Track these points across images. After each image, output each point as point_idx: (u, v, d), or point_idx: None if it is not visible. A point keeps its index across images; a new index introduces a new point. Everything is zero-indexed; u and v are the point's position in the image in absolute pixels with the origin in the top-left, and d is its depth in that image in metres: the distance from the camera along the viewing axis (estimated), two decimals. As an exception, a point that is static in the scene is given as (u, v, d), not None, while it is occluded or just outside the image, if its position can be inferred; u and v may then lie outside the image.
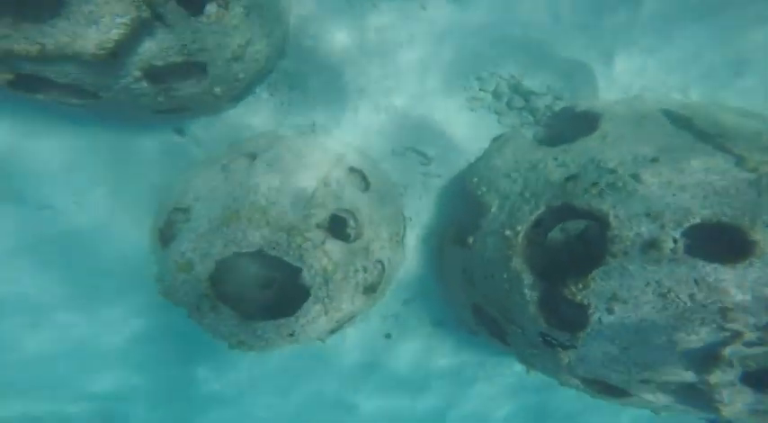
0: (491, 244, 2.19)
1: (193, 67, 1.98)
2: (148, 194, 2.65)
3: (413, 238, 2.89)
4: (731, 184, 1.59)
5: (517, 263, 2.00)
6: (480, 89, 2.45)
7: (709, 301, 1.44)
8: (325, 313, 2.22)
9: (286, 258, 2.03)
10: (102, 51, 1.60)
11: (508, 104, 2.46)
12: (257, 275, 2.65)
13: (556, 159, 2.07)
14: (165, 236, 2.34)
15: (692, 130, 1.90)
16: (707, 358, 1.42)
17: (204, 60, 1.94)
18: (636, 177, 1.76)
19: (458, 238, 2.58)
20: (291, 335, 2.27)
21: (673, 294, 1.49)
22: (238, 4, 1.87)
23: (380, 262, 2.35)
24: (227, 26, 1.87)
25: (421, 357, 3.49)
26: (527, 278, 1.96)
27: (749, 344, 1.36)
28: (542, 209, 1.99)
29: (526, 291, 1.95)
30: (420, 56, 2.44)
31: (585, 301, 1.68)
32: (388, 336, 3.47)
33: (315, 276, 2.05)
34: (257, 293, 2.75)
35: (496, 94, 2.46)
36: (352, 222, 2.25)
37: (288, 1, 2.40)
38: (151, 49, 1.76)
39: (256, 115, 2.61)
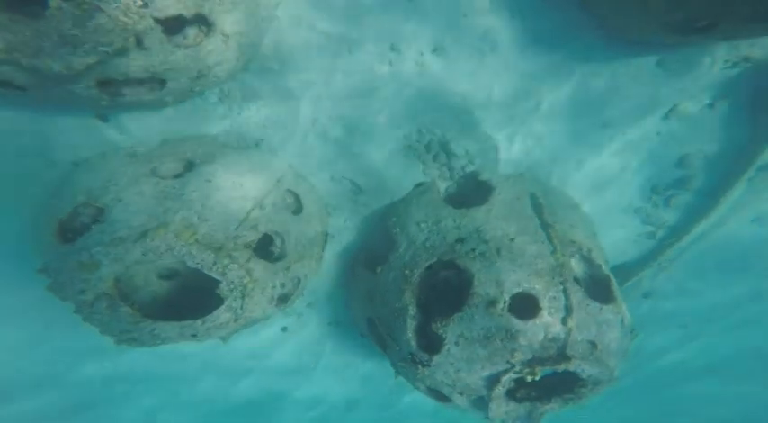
0: (393, 277, 3.00)
1: (153, 81, 2.07)
2: (46, 173, 2.56)
3: (329, 252, 3.52)
4: (543, 267, 2.69)
5: (408, 297, 2.86)
6: (417, 140, 3.13)
7: (509, 343, 2.52)
8: (235, 320, 2.70)
9: (208, 272, 2.40)
10: (68, 72, 1.66)
11: (434, 158, 3.21)
12: (160, 266, 2.89)
13: (454, 221, 2.95)
14: (66, 229, 2.38)
15: (540, 217, 2.98)
16: (493, 380, 2.53)
17: (167, 77, 2.05)
18: (498, 251, 2.74)
19: (368, 262, 3.34)
20: (193, 335, 2.67)
21: (492, 337, 2.54)
22: (220, 33, 2.03)
23: (298, 278, 2.92)
24: (202, 51, 2.02)
25: (311, 349, 4.30)
26: (411, 310, 2.84)
27: (516, 372, 2.49)
28: (435, 259, 2.86)
29: (408, 319, 2.83)
30: (374, 102, 2.96)
31: (443, 335, 2.64)
32: (284, 329, 4.14)
33: (233, 290, 2.49)
34: (156, 283, 3.00)
35: (427, 148, 3.18)
36: (278, 242, 2.72)
37: (268, 25, 2.54)
38: (118, 66, 1.83)
39: (200, 117, 2.75)
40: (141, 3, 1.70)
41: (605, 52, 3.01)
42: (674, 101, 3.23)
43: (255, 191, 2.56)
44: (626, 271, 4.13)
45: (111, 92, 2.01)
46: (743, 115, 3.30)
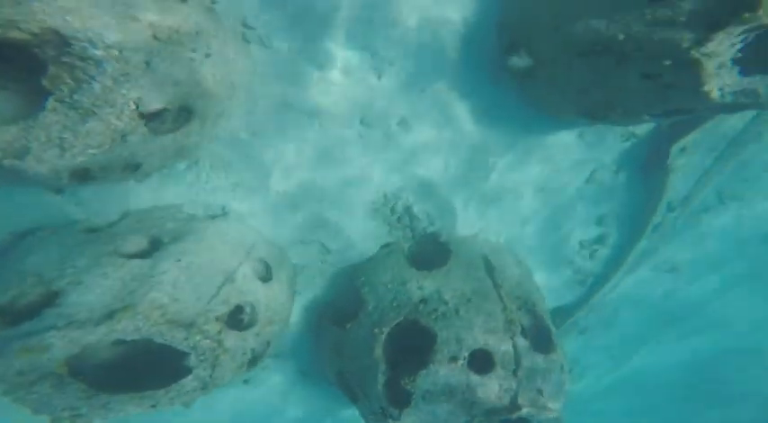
0: (362, 334, 3.24)
1: (128, 166, 2.16)
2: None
3: (297, 306, 3.66)
4: (496, 325, 3.13)
5: (378, 353, 3.11)
6: (383, 204, 3.49)
7: (469, 396, 2.86)
8: (202, 388, 2.71)
9: (177, 347, 2.42)
10: (51, 174, 1.72)
11: (399, 221, 3.58)
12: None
13: (418, 282, 3.31)
14: (7, 316, 2.25)
15: (492, 278, 3.46)
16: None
17: (144, 161, 2.16)
18: (457, 311, 3.13)
19: (336, 317, 3.54)
20: (153, 406, 2.61)
21: (455, 391, 2.87)
22: (199, 117, 2.21)
23: (268, 341, 3.02)
24: (180, 135, 2.17)
25: (276, 400, 4.29)
26: (381, 366, 3.08)
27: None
28: (401, 318, 3.17)
29: (379, 375, 3.07)
30: (344, 170, 3.29)
31: (411, 390, 2.91)
32: (246, 381, 4.10)
33: (202, 361, 2.53)
34: (107, 350, 2.89)
35: (393, 211, 3.55)
36: (248, 310, 2.82)
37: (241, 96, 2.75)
38: (99, 161, 1.92)
39: (165, 186, 2.81)
40: (134, 106, 1.85)
41: (539, 126, 3.68)
42: (591, 168, 3.99)
43: (226, 265, 2.67)
44: (564, 312, 4.80)
45: (81, 177, 2.06)
46: (638, 182, 4.16)
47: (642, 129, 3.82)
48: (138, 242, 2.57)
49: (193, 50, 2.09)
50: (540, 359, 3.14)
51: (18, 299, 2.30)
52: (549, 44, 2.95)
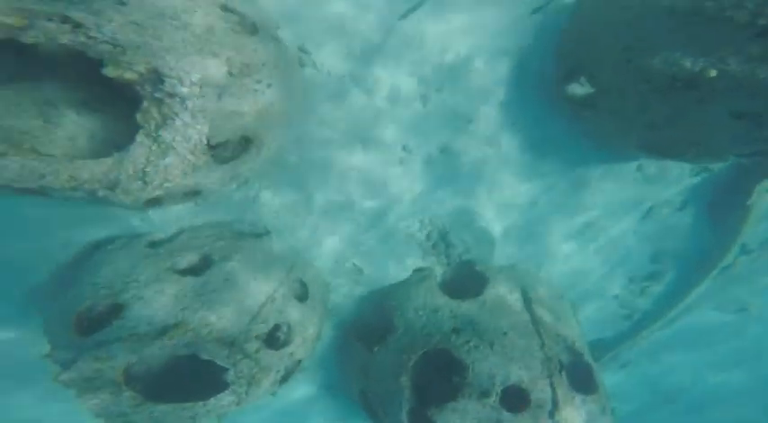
0: (390, 359, 3.24)
1: (190, 193, 2.33)
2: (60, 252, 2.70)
3: (328, 323, 3.73)
4: (533, 362, 3.01)
5: (404, 380, 3.10)
6: (418, 230, 3.46)
7: (500, 437, 2.79)
8: (238, 403, 2.85)
9: (219, 362, 2.56)
10: (133, 203, 1.90)
11: (434, 247, 3.54)
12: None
13: (451, 311, 3.25)
14: (84, 323, 2.49)
15: (530, 312, 3.33)
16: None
17: (204, 189, 2.32)
18: (491, 345, 3.04)
19: (364, 338, 3.57)
20: (192, 418, 2.79)
21: (484, 430, 2.80)
22: (256, 146, 2.32)
23: (300, 360, 3.11)
24: (240, 164, 2.29)
25: (300, 411, 4.41)
26: (407, 393, 3.08)
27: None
28: (431, 346, 3.13)
29: (404, 401, 3.07)
30: (384, 197, 3.30)
31: (436, 421, 2.88)
32: (273, 393, 4.24)
33: (240, 378, 2.66)
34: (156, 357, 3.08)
35: (428, 237, 3.51)
36: (285, 329, 2.92)
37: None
38: (169, 190, 2.08)
39: (217, 204, 2.96)
40: (206, 142, 1.96)
41: (594, 158, 3.48)
42: (650, 203, 3.73)
43: (268, 285, 2.79)
44: (605, 346, 4.54)
45: (152, 204, 2.23)
46: (707, 220, 3.83)
47: (717, 164, 3.51)
48: (191, 259, 2.75)
49: (258, 82, 2.19)
50: (579, 401, 2.99)
51: (91, 309, 2.54)
52: (617, 75, 2.77)
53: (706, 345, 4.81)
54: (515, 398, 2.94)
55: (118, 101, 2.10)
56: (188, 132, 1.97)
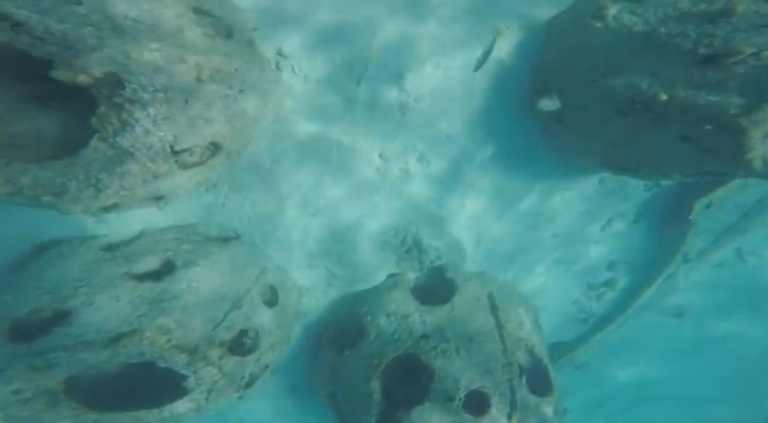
0: (361, 363, 3.34)
1: (152, 198, 2.24)
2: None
3: (297, 326, 3.76)
4: (495, 367, 3.20)
5: (374, 384, 3.22)
6: (393, 236, 3.54)
7: (462, 439, 2.97)
8: (197, 411, 2.81)
9: (178, 370, 2.51)
10: (83, 212, 1.81)
11: (407, 252, 3.64)
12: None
13: (421, 317, 3.38)
14: (20, 330, 2.33)
15: (496, 317, 3.52)
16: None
17: (167, 195, 2.25)
18: (458, 350, 3.21)
19: (335, 342, 3.64)
20: None
21: (447, 432, 2.97)
22: (225, 152, 2.25)
23: (266, 365, 3.12)
24: (206, 168, 2.23)
25: (267, 414, 4.43)
26: (376, 397, 3.19)
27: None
28: (401, 351, 3.25)
29: (373, 405, 3.18)
30: (359, 204, 3.34)
31: (404, 424, 3.02)
32: (240, 397, 4.24)
33: (200, 385, 2.63)
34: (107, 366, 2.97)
35: (403, 243, 3.60)
36: (251, 334, 2.92)
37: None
38: (128, 198, 2.00)
39: (183, 206, 2.88)
40: (170, 149, 1.90)
41: (559, 171, 3.69)
42: (609, 215, 4.01)
43: (234, 291, 2.75)
44: (563, 348, 4.88)
45: (108, 210, 2.13)
46: (656, 232, 4.18)
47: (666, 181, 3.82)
48: (151, 263, 2.65)
49: (230, 88, 2.13)
50: (535, 402, 3.23)
51: (32, 315, 2.40)
52: (583, 94, 2.95)
53: (648, 346, 5.29)
54: (478, 401, 3.13)
55: (78, 97, 1.99)
56: (149, 139, 1.89)
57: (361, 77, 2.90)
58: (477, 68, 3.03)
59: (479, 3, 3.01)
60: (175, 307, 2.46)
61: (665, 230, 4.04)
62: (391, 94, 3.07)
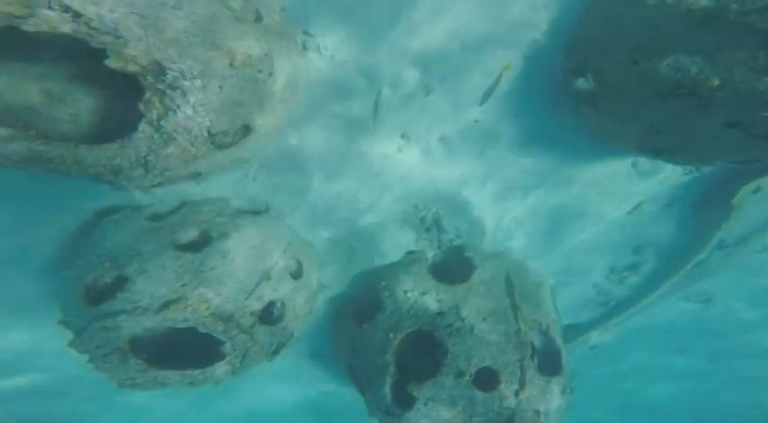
0: (378, 336, 3.56)
1: (192, 175, 2.42)
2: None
3: (321, 298, 4.00)
4: (507, 346, 3.34)
5: (389, 356, 3.44)
6: (413, 214, 3.62)
7: (469, 409, 3.18)
8: (233, 373, 3.15)
9: (215, 335, 2.82)
10: (138, 188, 2.01)
11: (427, 230, 3.73)
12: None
13: (437, 295, 3.51)
14: (92, 293, 2.68)
15: (511, 298, 3.61)
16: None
17: (205, 172, 2.42)
18: (471, 329, 3.35)
19: (354, 314, 3.87)
20: (191, 384, 3.11)
21: (456, 403, 3.18)
22: (256, 132, 2.38)
23: (292, 333, 3.39)
24: (239, 149, 2.36)
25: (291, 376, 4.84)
26: (391, 368, 3.42)
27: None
28: (417, 327, 3.43)
29: (387, 376, 3.43)
30: (381, 181, 3.40)
31: (416, 395, 3.25)
32: (269, 361, 4.63)
33: (235, 350, 2.93)
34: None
35: (423, 221, 3.68)
36: (279, 305, 3.16)
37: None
38: (171, 178, 2.17)
39: (218, 180, 3.05)
40: (207, 133, 2.03)
41: (590, 153, 3.59)
42: (640, 198, 3.90)
43: (263, 264, 2.97)
44: (579, 329, 4.95)
45: (154, 187, 2.33)
46: (691, 216, 4.04)
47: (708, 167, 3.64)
48: (191, 234, 2.90)
49: (260, 71, 2.21)
50: (543, 382, 3.37)
51: (98, 280, 2.73)
52: (622, 77, 2.80)
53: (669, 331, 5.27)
54: (488, 378, 3.31)
55: (118, 77, 2.13)
56: (189, 124, 2.04)
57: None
58: (482, 103, 3.03)
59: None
60: (212, 278, 2.72)
61: (702, 215, 3.89)
62: (413, 74, 3.04)
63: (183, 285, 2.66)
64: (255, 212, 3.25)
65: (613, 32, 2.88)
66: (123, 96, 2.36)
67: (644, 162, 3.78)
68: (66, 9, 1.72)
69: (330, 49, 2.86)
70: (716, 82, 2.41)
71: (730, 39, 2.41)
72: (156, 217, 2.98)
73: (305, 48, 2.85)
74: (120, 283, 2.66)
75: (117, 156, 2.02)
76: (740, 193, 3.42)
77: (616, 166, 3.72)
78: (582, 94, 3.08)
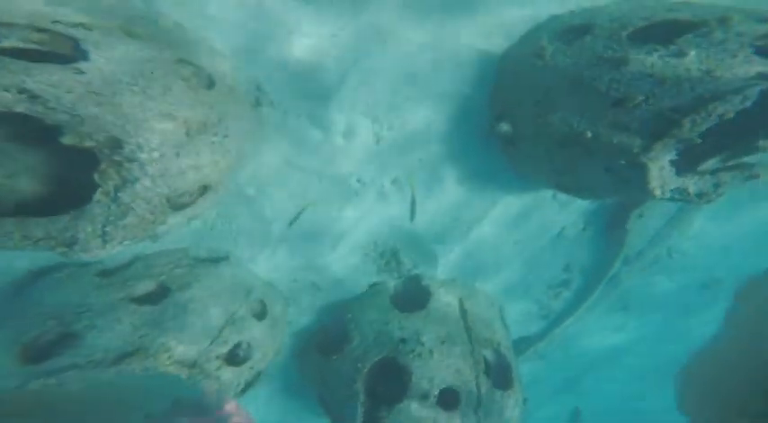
0: (347, 367, 3.75)
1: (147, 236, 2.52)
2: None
3: (287, 334, 4.11)
4: (464, 366, 3.69)
5: (359, 385, 3.63)
6: (372, 250, 3.95)
7: (436, 431, 3.44)
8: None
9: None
10: (93, 259, 2.06)
11: (386, 264, 4.07)
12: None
13: (399, 323, 3.82)
14: (31, 352, 2.55)
15: (465, 321, 4.01)
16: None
17: (159, 233, 2.53)
18: (431, 353, 3.67)
19: (322, 347, 4.03)
20: None
21: (424, 424, 3.44)
22: (214, 190, 2.56)
23: (260, 372, 3.47)
24: (197, 207, 2.53)
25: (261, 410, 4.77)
26: (361, 397, 3.61)
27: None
28: (383, 355, 3.68)
29: (358, 405, 3.60)
30: (339, 224, 3.71)
31: (386, 420, 3.46)
32: (238, 397, 4.56)
33: (204, 393, 2.97)
34: None
35: (382, 255, 4.02)
36: (244, 346, 3.25)
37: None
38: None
39: (174, 231, 3.16)
40: (166, 201, 2.19)
41: (520, 188, 4.21)
42: (562, 224, 4.58)
43: (227, 309, 3.07)
44: (527, 342, 5.47)
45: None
46: (602, 238, 4.81)
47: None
48: (148, 287, 2.92)
49: (215, 135, 2.44)
50: (498, 396, 3.74)
51: (39, 338, 2.63)
52: (531, 125, 3.44)
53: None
54: (450, 398, 3.62)
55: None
56: (148, 195, 2.12)
57: (293, 221, 3.32)
58: (412, 219, 3.57)
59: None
60: (174, 327, 2.76)
61: (609, 236, 4.68)
62: (365, 125, 3.47)
63: (141, 337, 2.65)
64: (215, 260, 3.37)
65: (520, 87, 3.53)
66: (63, 152, 2.36)
67: (561, 194, 4.49)
68: (23, 91, 1.83)
69: (283, 104, 3.17)
70: (588, 134, 3.04)
71: (591, 99, 3.09)
72: (106, 273, 2.95)
73: (258, 103, 3.13)
74: (68, 340, 2.56)
75: (70, 228, 2.01)
76: (630, 218, 4.24)
77: (542, 198, 4.39)
78: (505, 136, 3.69)
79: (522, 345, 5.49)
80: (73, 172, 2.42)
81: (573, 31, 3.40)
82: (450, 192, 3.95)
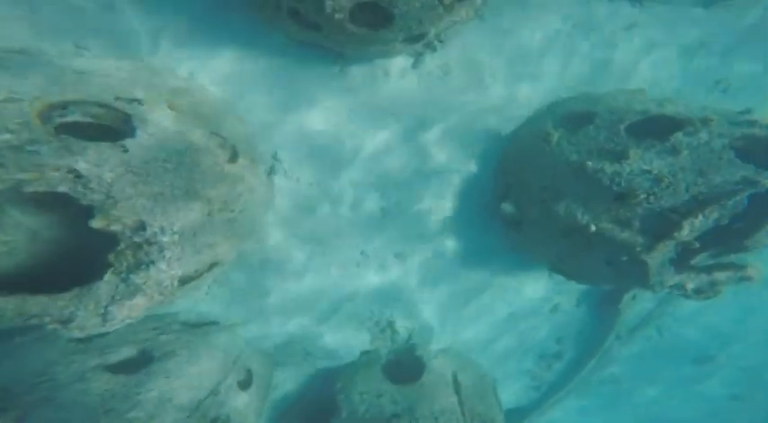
0: (333, 443, 3.53)
1: None
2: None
3: (272, 398, 3.90)
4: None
5: (345, 464, 3.41)
6: (368, 318, 3.88)
7: None
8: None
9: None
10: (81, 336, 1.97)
11: (381, 332, 3.98)
12: None
13: (392, 396, 3.68)
14: None
15: (458, 395, 3.89)
16: None
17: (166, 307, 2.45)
18: (424, 431, 3.52)
19: (308, 416, 3.82)
20: None
21: None
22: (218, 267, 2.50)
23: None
24: (202, 284, 2.46)
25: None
26: (347, 477, 3.38)
27: None
28: (373, 432, 3.51)
29: (344, 486, 3.37)
30: (339, 291, 3.69)
31: None
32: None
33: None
34: None
35: (377, 324, 3.95)
36: (224, 419, 3.04)
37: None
38: None
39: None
40: (177, 282, 2.12)
41: (518, 265, 4.25)
42: (557, 300, 4.61)
43: (211, 379, 2.87)
44: (521, 412, 5.31)
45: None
46: (595, 315, 4.85)
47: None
48: (128, 353, 2.66)
49: (231, 211, 2.44)
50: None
51: None
52: (536, 210, 3.53)
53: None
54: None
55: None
56: (161, 277, 2.05)
57: None
58: None
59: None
60: (148, 400, 2.48)
61: (601, 313, 4.73)
62: (373, 198, 3.54)
63: (106, 412, 2.40)
64: (204, 327, 3.22)
65: (526, 169, 3.64)
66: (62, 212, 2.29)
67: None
68: (71, 171, 1.82)
69: (296, 173, 3.24)
70: (592, 228, 3.13)
71: (594, 190, 3.20)
72: (82, 338, 2.63)
73: (272, 172, 3.18)
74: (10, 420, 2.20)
75: (71, 306, 1.87)
76: (624, 299, 4.34)
77: (540, 275, 4.45)
78: (507, 218, 3.77)
79: (514, 416, 5.32)
80: (80, 239, 2.36)
81: (575, 117, 3.59)
82: (450, 268, 3.98)
